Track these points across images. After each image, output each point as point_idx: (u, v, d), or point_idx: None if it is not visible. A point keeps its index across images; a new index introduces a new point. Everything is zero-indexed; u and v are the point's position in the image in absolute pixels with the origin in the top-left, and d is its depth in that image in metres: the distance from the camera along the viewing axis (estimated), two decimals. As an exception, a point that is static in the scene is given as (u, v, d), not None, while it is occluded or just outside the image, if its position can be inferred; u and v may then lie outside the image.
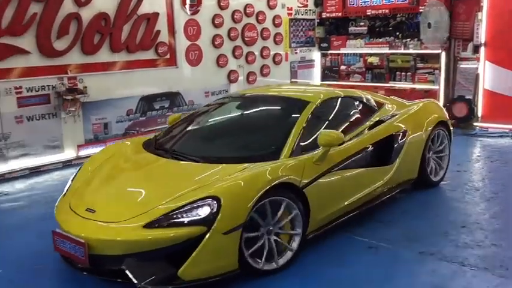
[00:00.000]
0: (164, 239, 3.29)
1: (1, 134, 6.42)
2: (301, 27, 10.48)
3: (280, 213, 3.70)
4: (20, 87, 6.54)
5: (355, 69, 10.25)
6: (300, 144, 4.14)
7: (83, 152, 7.14)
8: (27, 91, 6.61)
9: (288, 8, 10.09)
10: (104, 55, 7.35)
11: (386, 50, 9.66)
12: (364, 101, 5.14)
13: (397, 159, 4.92)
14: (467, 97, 8.60)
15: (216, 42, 8.84)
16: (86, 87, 7.06)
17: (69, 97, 6.86)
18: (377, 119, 4.98)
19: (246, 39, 9.35)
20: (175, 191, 3.59)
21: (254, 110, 5.20)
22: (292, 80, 10.33)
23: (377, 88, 9.51)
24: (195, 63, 8.60)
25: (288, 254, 3.80)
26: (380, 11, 9.71)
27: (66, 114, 6.93)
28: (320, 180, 4.03)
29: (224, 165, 3.89)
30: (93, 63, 7.23)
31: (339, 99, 4.98)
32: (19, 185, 6.25)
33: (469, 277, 3.64)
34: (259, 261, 3.62)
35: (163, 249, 3.31)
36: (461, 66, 8.78)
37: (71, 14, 6.86)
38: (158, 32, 7.93)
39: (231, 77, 9.21)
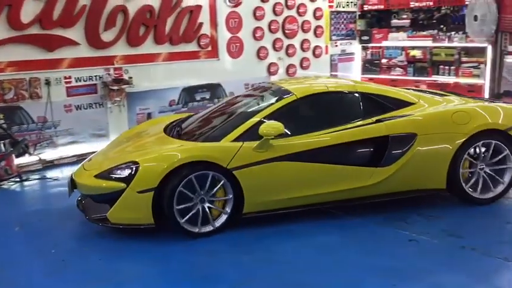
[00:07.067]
0: (101, 187, 4.28)
1: (51, 121, 6.72)
2: (342, 19, 10.40)
3: (208, 184, 4.22)
4: (70, 77, 6.82)
5: (396, 62, 10.11)
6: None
7: (127, 141, 7.36)
8: (76, 81, 6.88)
9: (329, 0, 10.03)
10: (148, 47, 7.54)
11: (429, 43, 9.48)
12: (374, 98, 4.85)
13: (396, 163, 4.56)
14: (514, 92, 8.36)
15: (256, 35, 8.91)
16: (131, 77, 7.28)
17: (115, 87, 7.09)
18: (376, 118, 4.66)
19: (287, 31, 9.38)
20: (129, 155, 4.49)
21: (246, 99, 5.31)
22: (332, 73, 10.28)
23: (419, 82, 9.37)
24: (235, 56, 8.70)
25: (223, 217, 4.34)
26: (424, 3, 9.54)
27: (112, 103, 7.17)
28: (258, 166, 4.30)
29: (182, 141, 4.57)
30: (138, 54, 7.43)
31: (335, 94, 4.90)
32: (68, 171, 6.49)
33: (514, 273, 3.62)
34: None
35: (104, 195, 4.28)
36: (508, 60, 8.52)
37: (118, 7, 7.08)
38: (201, 24, 8.06)
39: (271, 70, 9.26)
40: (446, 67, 9.28)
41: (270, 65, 9.24)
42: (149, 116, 7.67)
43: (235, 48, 8.67)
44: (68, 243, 4.38)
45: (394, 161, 4.57)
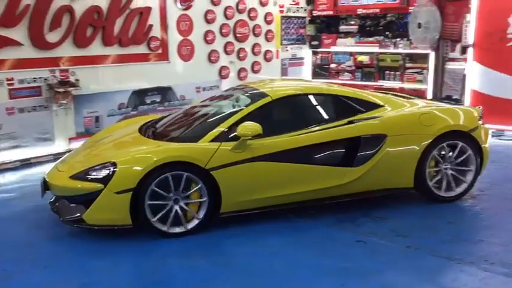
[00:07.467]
0: (77, 188, 4.25)
1: (-8, 125, 6.42)
2: (293, 24, 10.55)
3: (182, 185, 4.25)
4: (12, 78, 6.53)
5: (345, 67, 10.36)
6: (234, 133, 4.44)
7: (74, 145, 7.08)
8: (19, 83, 6.60)
9: (279, 5, 10.15)
10: (96, 48, 7.34)
11: (376, 49, 9.78)
12: (345, 100, 5.02)
13: (367, 163, 4.73)
14: (454, 97, 8.75)
15: (208, 38, 8.88)
16: (77, 80, 7.07)
17: (60, 90, 6.85)
18: (348, 120, 4.81)
19: (238, 35, 9.40)
20: (104, 156, 4.49)
21: (223, 101, 5.34)
22: (283, 77, 10.39)
23: (366, 87, 9.63)
24: (187, 59, 8.63)
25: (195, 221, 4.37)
26: (371, 10, 9.83)
27: (58, 106, 6.93)
28: (236, 166, 4.37)
29: (159, 142, 4.59)
30: (85, 56, 7.22)
31: (308, 96, 5.05)
32: (10, 177, 6.25)
33: (456, 271, 3.76)
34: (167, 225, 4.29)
35: (80, 197, 4.23)
36: (449, 66, 8.92)
37: (64, 7, 6.84)
38: (151, 26, 7.94)
39: (222, 73, 9.25)
40: (392, 72, 9.61)
41: (222, 68, 9.22)
42: (97, 119, 7.47)
43: (186, 51, 8.60)
44: (10, 252, 4.18)
45: (365, 161, 4.74)
